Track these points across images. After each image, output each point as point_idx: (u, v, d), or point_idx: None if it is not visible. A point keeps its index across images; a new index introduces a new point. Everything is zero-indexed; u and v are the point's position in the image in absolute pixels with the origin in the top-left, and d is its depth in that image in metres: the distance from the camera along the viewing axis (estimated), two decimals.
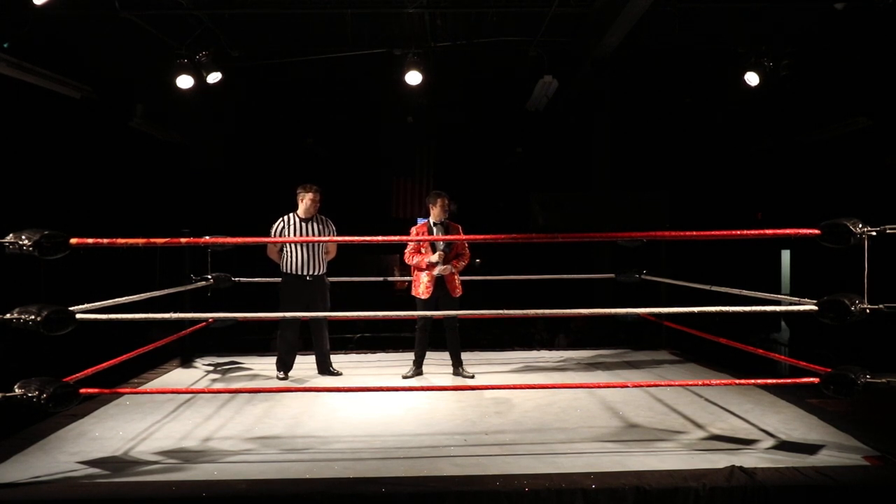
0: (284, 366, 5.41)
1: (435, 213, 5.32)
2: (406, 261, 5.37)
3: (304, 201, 5.39)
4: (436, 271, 5.28)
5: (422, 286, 5.31)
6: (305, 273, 5.33)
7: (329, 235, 5.40)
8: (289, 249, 5.33)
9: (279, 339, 5.50)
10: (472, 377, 5.33)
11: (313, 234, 5.35)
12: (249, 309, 4.70)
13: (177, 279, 5.66)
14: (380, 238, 3.91)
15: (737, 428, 3.98)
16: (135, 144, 9.97)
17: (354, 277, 7.29)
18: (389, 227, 11.90)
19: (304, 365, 5.63)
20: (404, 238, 4.65)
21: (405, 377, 5.39)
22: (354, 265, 13.23)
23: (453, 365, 5.46)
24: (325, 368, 5.52)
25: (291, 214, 5.42)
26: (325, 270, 5.45)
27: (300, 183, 5.48)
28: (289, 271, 5.34)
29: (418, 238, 4.98)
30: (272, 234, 5.34)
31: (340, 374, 5.50)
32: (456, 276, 5.38)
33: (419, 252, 5.30)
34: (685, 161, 12.75)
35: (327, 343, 5.54)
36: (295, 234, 5.30)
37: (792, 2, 7.51)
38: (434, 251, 5.28)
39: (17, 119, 7.69)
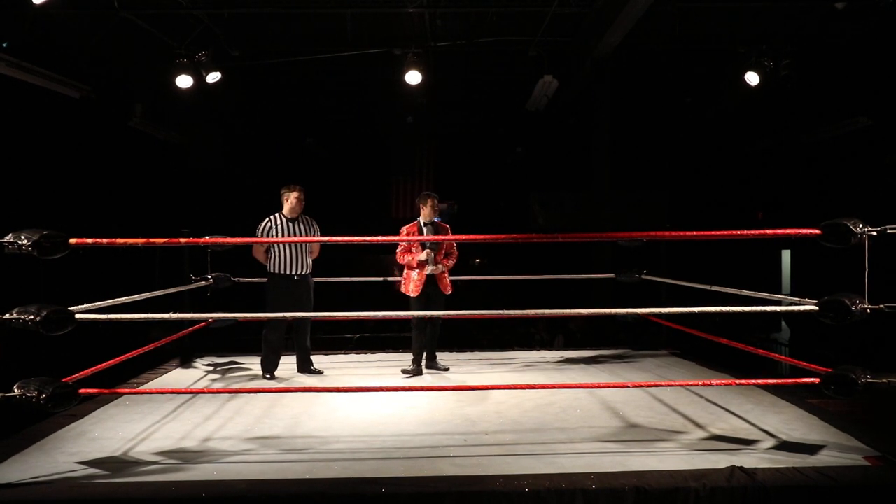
0: (271, 366, 5.40)
1: (425, 214, 5.51)
2: (398, 259, 5.50)
3: (290, 201, 5.41)
4: (427, 270, 5.44)
5: (412, 284, 5.47)
6: (293, 273, 5.35)
7: (315, 235, 5.44)
8: (277, 250, 5.33)
9: (264, 340, 5.40)
10: (447, 370, 5.58)
11: (299, 234, 5.38)
12: (249, 309, 4.70)
13: (176, 279, 5.65)
14: (377, 238, 3.95)
15: (737, 428, 3.98)
16: (134, 144, 9.94)
17: (354, 277, 7.29)
18: (389, 227, 11.91)
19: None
20: (394, 238, 4.98)
21: (405, 371, 5.49)
22: (354, 265, 13.23)
23: (427, 357, 5.61)
24: (306, 367, 5.54)
25: (277, 214, 5.43)
26: (311, 270, 5.47)
27: (296, 183, 5.49)
28: (276, 271, 5.34)
29: (408, 238, 5.18)
30: (259, 234, 5.34)
31: (321, 373, 5.51)
32: (446, 275, 5.54)
33: (410, 251, 5.46)
34: (685, 161, 12.74)
35: (309, 342, 5.57)
36: (282, 234, 5.32)
37: (792, 2, 7.51)
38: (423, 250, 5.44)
39: (16, 119, 7.67)
